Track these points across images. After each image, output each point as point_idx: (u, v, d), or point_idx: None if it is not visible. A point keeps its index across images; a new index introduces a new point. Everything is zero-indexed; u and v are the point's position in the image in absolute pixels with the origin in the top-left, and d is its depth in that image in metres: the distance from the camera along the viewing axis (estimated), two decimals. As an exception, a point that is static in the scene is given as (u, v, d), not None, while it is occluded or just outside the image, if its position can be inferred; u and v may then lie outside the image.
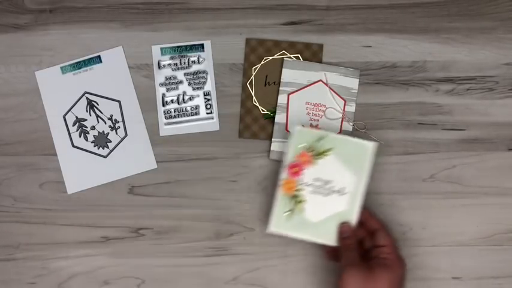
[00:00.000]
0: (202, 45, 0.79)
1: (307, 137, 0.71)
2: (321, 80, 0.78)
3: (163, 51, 0.79)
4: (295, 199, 0.70)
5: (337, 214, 0.69)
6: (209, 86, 0.79)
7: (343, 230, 0.69)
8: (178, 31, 0.79)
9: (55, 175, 0.78)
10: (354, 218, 0.69)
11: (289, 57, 0.79)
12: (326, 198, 0.70)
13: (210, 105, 0.79)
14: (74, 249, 0.78)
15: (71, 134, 0.78)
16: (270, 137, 0.78)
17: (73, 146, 0.78)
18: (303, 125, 0.74)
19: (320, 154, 0.70)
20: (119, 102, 0.79)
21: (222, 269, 0.77)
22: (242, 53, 0.79)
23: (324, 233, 0.70)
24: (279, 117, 0.78)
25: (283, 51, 0.79)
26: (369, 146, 0.70)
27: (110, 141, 0.78)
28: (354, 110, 0.78)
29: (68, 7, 0.80)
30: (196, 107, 0.79)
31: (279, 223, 0.70)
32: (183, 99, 0.79)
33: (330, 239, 0.69)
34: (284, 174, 0.70)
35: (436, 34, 0.79)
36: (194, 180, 0.78)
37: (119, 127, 0.79)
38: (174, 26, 0.79)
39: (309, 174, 0.70)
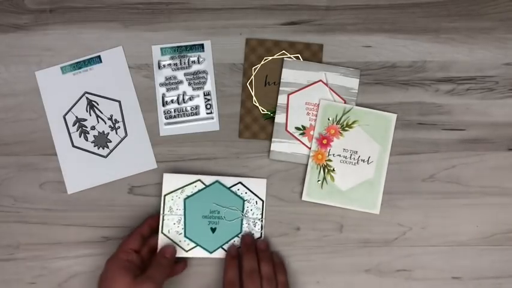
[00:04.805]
0: (202, 45, 0.79)
1: (334, 110, 0.76)
2: (321, 80, 0.78)
3: (163, 51, 0.79)
4: (326, 169, 0.76)
5: (365, 182, 0.76)
6: (209, 86, 0.79)
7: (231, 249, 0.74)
8: (178, 31, 0.79)
9: (55, 175, 0.78)
10: (381, 184, 0.76)
11: (289, 57, 0.79)
12: (354, 167, 0.76)
13: (210, 105, 0.79)
14: (74, 249, 0.78)
15: (71, 134, 0.78)
16: (270, 137, 0.78)
17: (73, 146, 0.78)
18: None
19: (347, 126, 0.76)
20: (119, 102, 0.79)
21: (223, 269, 0.77)
22: (242, 53, 0.79)
23: (353, 200, 0.75)
24: (279, 118, 0.78)
25: (283, 51, 0.79)
26: (391, 117, 0.76)
27: (110, 141, 0.78)
28: (354, 110, 0.78)
29: (68, 7, 0.79)
30: (196, 107, 0.79)
31: (311, 192, 0.76)
32: (183, 99, 0.79)
33: (358, 206, 0.75)
34: (314, 146, 0.75)
35: (436, 34, 0.79)
36: (194, 180, 0.78)
37: (119, 127, 0.79)
38: (174, 26, 0.79)
39: (337, 145, 0.76)
